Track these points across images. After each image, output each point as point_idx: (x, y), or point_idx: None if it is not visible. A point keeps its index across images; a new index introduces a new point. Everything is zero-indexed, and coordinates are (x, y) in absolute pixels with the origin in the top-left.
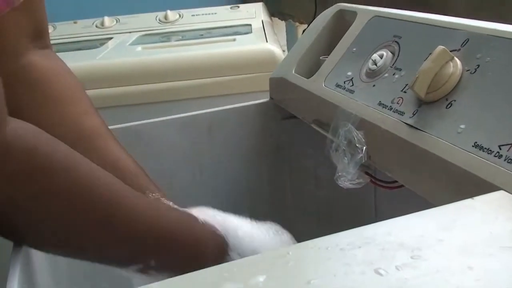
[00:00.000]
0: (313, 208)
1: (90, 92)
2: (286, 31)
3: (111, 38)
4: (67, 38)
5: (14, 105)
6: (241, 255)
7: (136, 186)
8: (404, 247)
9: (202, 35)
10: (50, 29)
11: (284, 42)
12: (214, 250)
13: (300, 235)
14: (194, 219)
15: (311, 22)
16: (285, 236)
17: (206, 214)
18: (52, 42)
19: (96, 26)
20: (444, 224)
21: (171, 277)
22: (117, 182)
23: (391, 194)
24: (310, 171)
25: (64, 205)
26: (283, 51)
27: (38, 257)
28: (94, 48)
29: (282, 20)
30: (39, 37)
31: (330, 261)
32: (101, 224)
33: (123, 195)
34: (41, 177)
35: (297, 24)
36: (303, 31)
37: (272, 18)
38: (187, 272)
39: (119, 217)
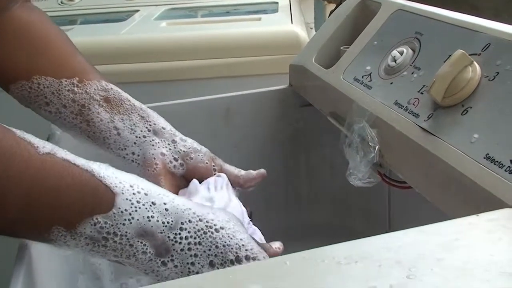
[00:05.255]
0: (328, 195)
1: (112, 67)
2: (314, 8)
3: (137, 11)
4: (94, 8)
5: (3, 50)
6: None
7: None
8: (401, 265)
9: (228, 12)
10: None
11: (311, 19)
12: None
13: (315, 221)
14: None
15: (339, 2)
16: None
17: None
18: (79, 12)
19: None
20: (444, 243)
21: None
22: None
23: None
24: (326, 159)
25: None
26: (311, 28)
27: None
28: (120, 21)
29: None
30: None
31: (326, 275)
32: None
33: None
34: None
35: (325, 2)
36: (331, 11)
37: None
38: None
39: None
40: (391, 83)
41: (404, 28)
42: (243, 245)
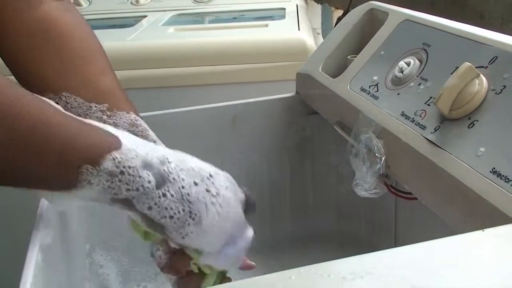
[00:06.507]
0: (333, 203)
1: (119, 73)
2: (322, 14)
3: (145, 16)
4: (102, 13)
5: (35, 57)
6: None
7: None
8: (406, 281)
9: (235, 18)
10: (86, 4)
11: (318, 25)
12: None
13: (320, 229)
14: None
15: (346, 9)
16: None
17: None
18: (87, 17)
19: (131, 3)
20: (450, 259)
21: None
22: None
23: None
24: (332, 167)
25: None
26: (318, 34)
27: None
28: (128, 26)
29: (318, 3)
30: None
31: None
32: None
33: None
34: None
35: (332, 8)
36: (338, 17)
37: (308, 0)
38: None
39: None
40: (398, 94)
41: (411, 39)
42: (210, 166)
